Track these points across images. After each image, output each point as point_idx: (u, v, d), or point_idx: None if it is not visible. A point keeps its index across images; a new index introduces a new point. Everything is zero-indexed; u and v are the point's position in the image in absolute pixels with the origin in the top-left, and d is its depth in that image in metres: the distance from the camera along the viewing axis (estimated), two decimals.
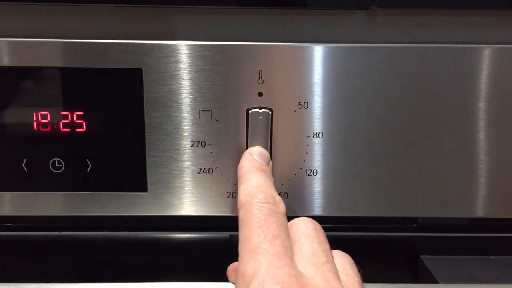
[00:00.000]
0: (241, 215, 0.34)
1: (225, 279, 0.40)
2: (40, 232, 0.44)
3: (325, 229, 0.36)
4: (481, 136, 0.43)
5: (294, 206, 0.43)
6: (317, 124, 0.42)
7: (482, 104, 0.42)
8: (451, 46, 0.41)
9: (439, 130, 0.42)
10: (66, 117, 0.41)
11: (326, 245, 0.34)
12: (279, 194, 0.42)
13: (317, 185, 0.43)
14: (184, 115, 0.41)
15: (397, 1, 0.40)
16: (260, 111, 0.41)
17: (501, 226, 0.46)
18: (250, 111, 0.41)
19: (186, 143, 0.42)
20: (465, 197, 0.44)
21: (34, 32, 0.40)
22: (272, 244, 0.32)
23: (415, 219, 0.46)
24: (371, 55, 0.41)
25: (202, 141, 0.42)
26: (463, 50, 0.41)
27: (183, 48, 0.40)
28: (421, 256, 0.45)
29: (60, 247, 0.45)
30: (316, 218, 0.37)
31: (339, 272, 0.33)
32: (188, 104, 0.41)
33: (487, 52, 0.41)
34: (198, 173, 0.43)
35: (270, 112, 0.41)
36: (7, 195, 0.42)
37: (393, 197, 0.43)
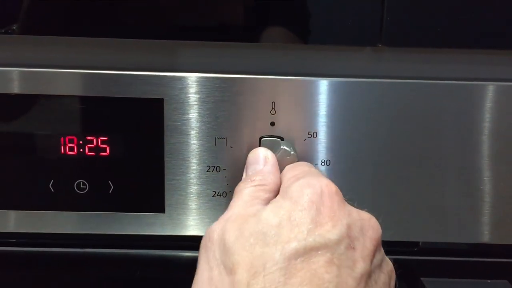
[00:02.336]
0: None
1: None
2: (64, 249, 0.47)
3: None
4: (483, 167, 0.45)
5: None
6: (325, 152, 0.44)
7: (484, 137, 0.45)
8: (453, 82, 0.44)
9: (441, 161, 0.45)
10: (91, 141, 0.44)
11: None
12: None
13: None
14: (201, 142, 0.44)
15: (402, 40, 0.43)
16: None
17: (500, 251, 0.48)
18: (262, 139, 0.44)
19: (202, 168, 0.45)
20: (466, 224, 0.46)
21: (65, 63, 0.43)
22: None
23: (417, 243, 0.49)
24: (376, 89, 0.44)
25: (217, 166, 0.45)
26: (465, 86, 0.44)
27: (202, 80, 0.43)
28: (421, 278, 0.47)
29: (83, 263, 0.47)
30: None
31: None
32: (205, 131, 0.44)
33: (489, 89, 0.44)
34: (213, 196, 0.45)
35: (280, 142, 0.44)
36: (34, 213, 0.45)
37: (396, 222, 0.46)
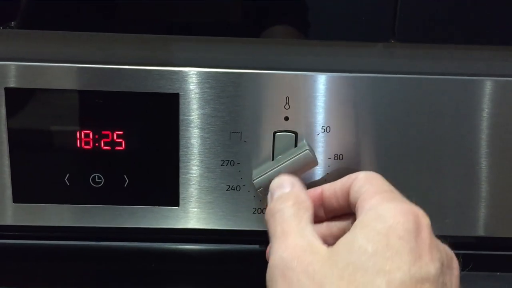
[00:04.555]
0: (365, 174, 0.39)
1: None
2: (79, 242, 0.48)
3: None
4: (483, 160, 0.46)
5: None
6: (338, 147, 0.45)
7: (484, 131, 0.45)
8: (465, 78, 0.45)
9: (445, 154, 0.46)
10: (107, 136, 0.44)
11: None
12: None
13: None
14: (215, 136, 0.44)
15: (414, 36, 0.44)
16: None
17: (509, 244, 0.49)
18: (276, 134, 0.44)
19: (217, 162, 0.45)
20: (467, 217, 0.47)
21: (81, 58, 0.43)
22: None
23: None
24: (387, 84, 0.44)
25: (231, 161, 0.45)
26: (476, 82, 0.45)
27: (217, 75, 0.43)
28: None
29: (98, 256, 0.48)
30: None
31: None
32: (219, 126, 0.44)
33: (490, 84, 0.45)
34: (227, 190, 0.46)
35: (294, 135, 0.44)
36: (50, 207, 0.45)
37: None
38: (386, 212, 0.34)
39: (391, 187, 0.38)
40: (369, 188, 0.37)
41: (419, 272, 0.31)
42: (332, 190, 0.40)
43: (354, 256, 0.32)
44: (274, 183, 0.41)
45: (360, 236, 0.33)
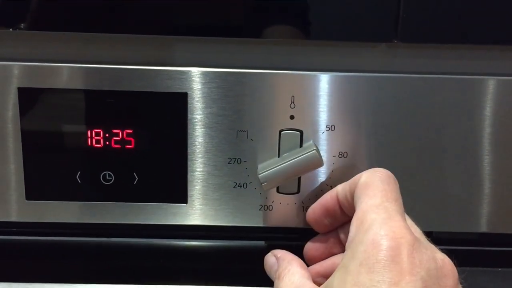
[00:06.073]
0: (365, 179, 0.39)
1: (256, 284, 0.44)
2: (89, 238, 0.49)
3: None
4: (486, 158, 0.47)
5: None
6: (342, 145, 0.46)
7: (486, 130, 0.46)
8: (467, 77, 0.45)
9: (448, 152, 0.47)
10: (117, 134, 0.45)
11: None
12: (307, 208, 0.46)
13: None
14: (222, 134, 0.45)
15: (417, 37, 0.44)
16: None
17: (510, 240, 0.50)
18: (282, 132, 0.45)
19: (224, 160, 0.46)
20: (471, 214, 0.48)
21: (92, 59, 0.45)
22: (392, 204, 0.37)
23: (429, 233, 0.50)
24: (390, 84, 0.45)
25: (238, 158, 0.46)
26: (479, 81, 0.45)
27: (224, 75, 0.44)
28: None
29: (108, 252, 0.49)
30: None
31: None
32: (226, 125, 0.45)
33: (493, 83, 0.45)
34: (234, 187, 0.47)
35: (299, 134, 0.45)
36: (62, 204, 0.47)
37: (410, 212, 0.47)
38: (358, 246, 0.34)
39: (387, 194, 0.38)
40: (361, 205, 0.38)
41: None
42: (343, 195, 0.42)
43: None
44: (266, 267, 0.44)
45: (335, 277, 0.35)
